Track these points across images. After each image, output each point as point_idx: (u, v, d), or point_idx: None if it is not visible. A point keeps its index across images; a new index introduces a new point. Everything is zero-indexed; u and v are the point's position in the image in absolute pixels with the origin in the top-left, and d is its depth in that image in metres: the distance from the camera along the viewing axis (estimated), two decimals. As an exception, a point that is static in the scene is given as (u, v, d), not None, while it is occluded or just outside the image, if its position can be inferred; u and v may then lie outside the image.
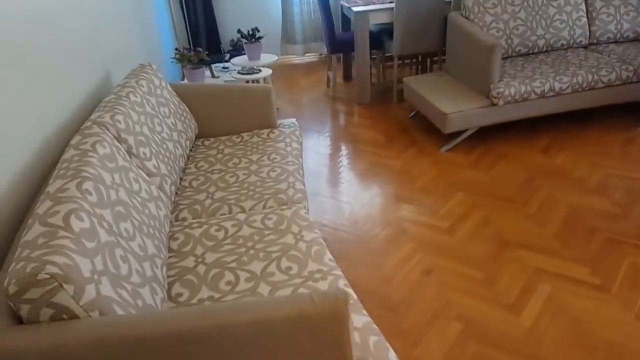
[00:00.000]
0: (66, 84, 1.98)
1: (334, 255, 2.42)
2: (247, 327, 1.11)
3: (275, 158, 2.52)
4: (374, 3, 4.03)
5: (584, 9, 3.43)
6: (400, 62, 4.77)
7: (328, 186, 3.04)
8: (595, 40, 3.50)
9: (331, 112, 4.21)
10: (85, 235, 1.20)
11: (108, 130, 1.79)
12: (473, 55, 3.15)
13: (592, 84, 3.07)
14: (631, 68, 3.10)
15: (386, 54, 4.47)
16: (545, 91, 3.03)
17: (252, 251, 1.78)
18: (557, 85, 3.03)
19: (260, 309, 1.13)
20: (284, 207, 2.09)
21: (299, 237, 1.85)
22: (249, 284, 1.60)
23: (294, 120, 3.00)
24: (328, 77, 4.80)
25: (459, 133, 3.20)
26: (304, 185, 2.35)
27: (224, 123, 2.85)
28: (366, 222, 2.63)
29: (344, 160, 3.36)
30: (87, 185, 1.37)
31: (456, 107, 3.05)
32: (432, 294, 2.10)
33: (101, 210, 1.35)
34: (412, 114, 3.81)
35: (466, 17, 3.33)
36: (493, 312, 1.98)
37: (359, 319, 1.46)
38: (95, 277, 1.13)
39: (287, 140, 2.73)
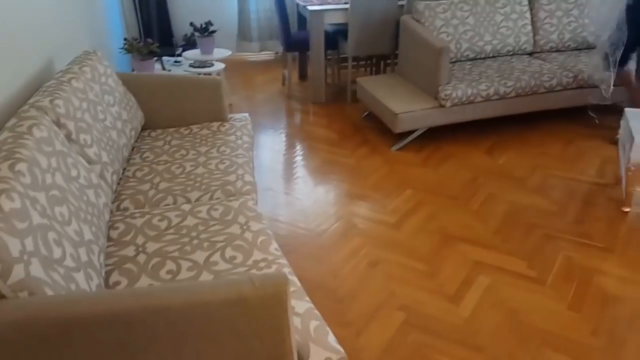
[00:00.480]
0: (2, 68, 1.90)
1: (283, 249, 2.43)
2: (182, 309, 1.10)
3: (225, 151, 2.50)
4: (329, 3, 4.08)
5: (529, 18, 3.60)
6: (355, 63, 4.84)
7: (281, 182, 3.06)
8: (539, 49, 3.68)
9: (286, 110, 4.24)
10: (15, 215, 1.16)
11: (46, 114, 1.73)
12: (423, 58, 3.25)
13: (534, 88, 3.22)
14: (571, 75, 3.27)
15: (341, 55, 4.54)
16: (491, 94, 3.16)
17: (195, 241, 1.76)
18: (501, 89, 3.16)
19: (196, 292, 1.13)
20: (231, 198, 2.08)
21: (245, 227, 1.85)
22: (191, 273, 1.59)
23: (246, 114, 3.00)
24: (283, 76, 4.82)
25: (409, 133, 3.28)
26: (254, 178, 2.34)
27: (173, 115, 2.81)
28: (317, 217, 2.66)
29: (298, 157, 3.39)
30: (20, 166, 1.32)
31: (406, 108, 3.14)
32: (377, 286, 2.15)
33: (35, 192, 1.31)
34: (365, 114, 3.88)
35: (417, 21, 3.43)
36: (435, 302, 2.04)
37: (301, 304, 1.47)
38: (25, 257, 1.09)
39: (238, 133, 2.72)
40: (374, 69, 4.73)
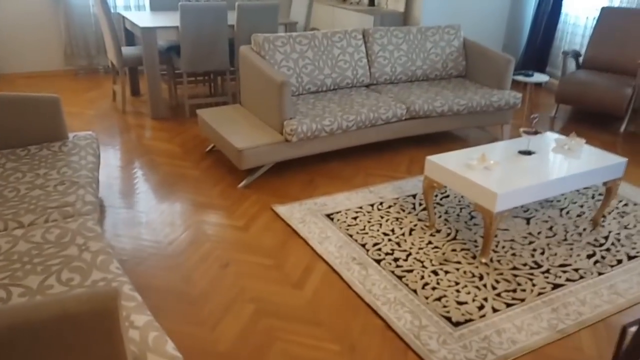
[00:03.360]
0: None
1: (131, 262, 2.51)
2: (4, 333, 1.12)
3: (66, 172, 2.48)
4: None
5: (364, 52, 4.05)
6: (192, 78, 5.13)
7: (123, 197, 3.17)
8: (375, 81, 4.15)
9: (122, 126, 4.36)
10: None
11: None
12: (265, 91, 3.45)
13: (373, 121, 3.59)
14: (404, 107, 3.72)
15: (176, 70, 4.71)
16: (334, 129, 3.43)
17: (28, 266, 1.75)
18: (344, 124, 3.46)
19: (18, 313, 1.15)
20: (69, 219, 2.07)
21: (84, 248, 1.88)
22: (23, 299, 1.58)
23: (91, 132, 2.97)
24: (114, 91, 4.80)
25: (257, 168, 3.38)
26: (97, 198, 2.35)
27: (6, 135, 2.68)
28: (164, 228, 2.83)
29: (139, 171, 3.52)
30: None
31: (251, 143, 3.16)
32: (228, 284, 2.38)
33: None
34: (209, 148, 3.86)
35: (257, 53, 3.65)
36: (282, 290, 2.36)
37: (141, 318, 1.55)
38: None
39: (82, 153, 2.69)
40: (212, 85, 5.17)
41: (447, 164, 2.68)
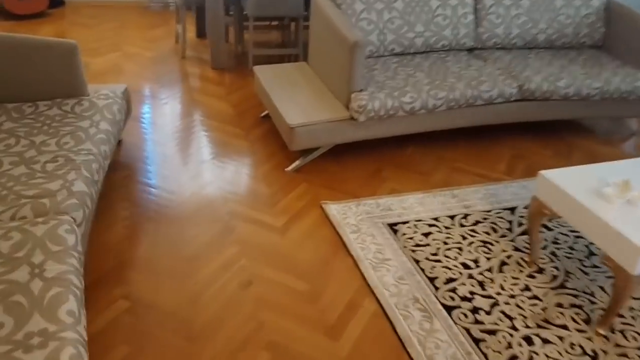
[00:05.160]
0: None
1: (135, 263, 2.05)
2: None
3: (67, 143, 2.03)
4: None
5: (472, 6, 3.20)
6: (264, 23, 4.57)
7: (146, 169, 2.69)
8: (480, 44, 3.30)
9: (176, 75, 3.89)
10: None
11: None
12: (334, 51, 2.76)
13: (470, 100, 2.82)
14: (515, 85, 2.90)
15: (244, 12, 4.11)
16: (416, 108, 2.72)
17: (-49, 294, 1.29)
18: (430, 102, 2.73)
19: None
20: (39, 219, 1.60)
21: (37, 271, 1.40)
22: None
23: (120, 87, 2.52)
24: (177, 33, 4.29)
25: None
26: (94, 185, 1.88)
27: (15, 86, 2.27)
28: (184, 222, 2.31)
29: (178, 135, 3.03)
30: None
31: (306, 119, 2.55)
32: (244, 315, 1.87)
33: None
34: (264, 113, 3.31)
35: (333, 2, 2.93)
36: (311, 337, 1.80)
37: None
38: None
39: (96, 117, 2.23)
40: (284, 32, 4.51)
41: (569, 186, 1.91)
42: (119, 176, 2.55)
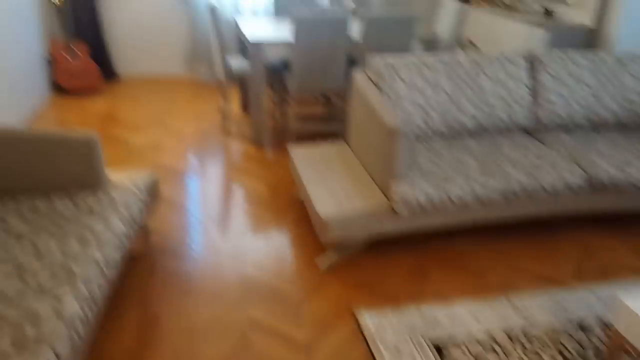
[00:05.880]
0: None
1: None
2: None
3: (71, 249, 1.85)
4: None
5: (528, 84, 2.91)
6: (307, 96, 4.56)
7: (167, 258, 2.43)
8: (540, 125, 2.98)
9: (215, 152, 3.78)
10: None
11: None
12: (374, 135, 2.51)
13: (530, 191, 2.47)
14: (581, 173, 2.53)
15: (288, 88, 4.02)
16: (466, 199, 2.39)
17: None
18: (482, 193, 2.40)
19: None
20: (23, 350, 1.38)
21: None
22: None
23: (147, 176, 2.36)
24: (221, 108, 4.22)
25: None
26: (87, 306, 1.65)
27: (31, 179, 2.16)
28: (205, 329, 2.00)
29: (206, 220, 2.81)
30: None
31: (340, 210, 2.28)
32: None
33: None
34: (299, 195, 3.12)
35: (373, 82, 2.72)
36: None
37: None
38: None
39: (112, 215, 2.07)
40: (330, 105, 4.43)
41: (662, 317, 1.51)
42: (138, 270, 2.35)
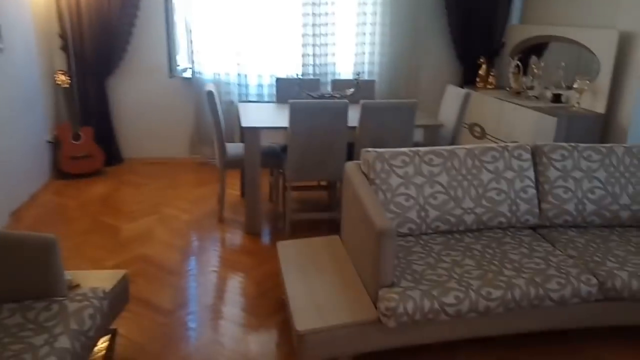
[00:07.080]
0: None
1: None
2: None
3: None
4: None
5: (533, 178, 2.72)
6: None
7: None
8: (547, 222, 2.76)
9: (206, 242, 3.60)
10: None
11: None
12: (363, 234, 2.29)
13: (535, 301, 2.21)
14: (595, 281, 2.27)
15: (285, 174, 3.92)
16: (463, 311, 2.12)
17: None
18: (481, 303, 2.14)
19: None
20: None
21: None
22: None
23: (117, 279, 2.18)
24: (219, 194, 4.12)
25: None
26: None
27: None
28: None
29: (180, 327, 2.53)
30: None
31: (320, 322, 2.03)
32: None
33: None
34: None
35: (365, 175, 2.57)
36: None
37: None
38: None
39: (57, 330, 1.86)
40: (329, 192, 4.28)
41: None
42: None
